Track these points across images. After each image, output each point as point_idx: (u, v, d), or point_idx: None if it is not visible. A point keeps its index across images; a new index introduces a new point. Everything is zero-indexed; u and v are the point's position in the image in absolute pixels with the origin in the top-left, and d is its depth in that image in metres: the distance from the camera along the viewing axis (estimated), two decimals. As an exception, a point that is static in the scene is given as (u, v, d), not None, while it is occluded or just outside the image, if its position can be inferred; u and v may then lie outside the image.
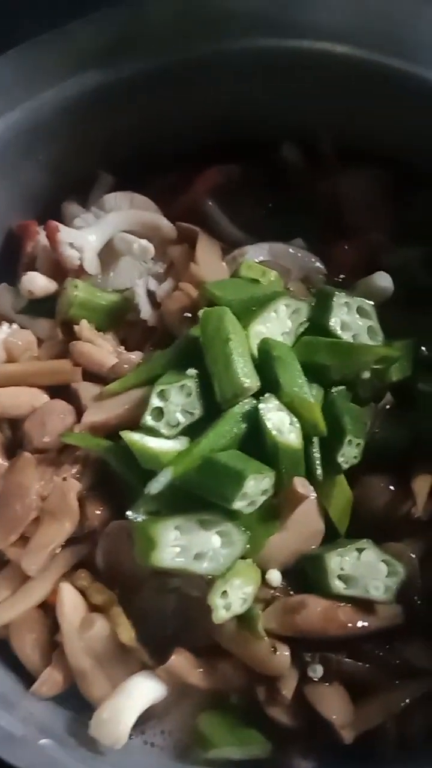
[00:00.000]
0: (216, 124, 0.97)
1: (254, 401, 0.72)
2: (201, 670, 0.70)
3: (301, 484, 0.69)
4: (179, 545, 0.67)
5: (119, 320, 0.88)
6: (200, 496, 0.68)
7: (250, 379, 0.72)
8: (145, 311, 0.87)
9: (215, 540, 0.68)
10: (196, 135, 0.98)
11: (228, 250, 0.93)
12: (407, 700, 0.68)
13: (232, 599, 0.68)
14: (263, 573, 0.71)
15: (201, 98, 0.94)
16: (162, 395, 0.73)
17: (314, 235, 0.93)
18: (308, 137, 0.97)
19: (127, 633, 0.71)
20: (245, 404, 0.72)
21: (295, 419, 0.72)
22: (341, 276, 0.88)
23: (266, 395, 0.72)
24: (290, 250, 0.90)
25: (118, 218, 0.91)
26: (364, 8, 0.84)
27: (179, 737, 0.73)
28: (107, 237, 0.90)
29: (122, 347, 0.85)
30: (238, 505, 0.67)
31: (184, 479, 0.68)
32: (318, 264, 0.90)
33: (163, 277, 0.90)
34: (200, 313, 0.76)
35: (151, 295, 0.89)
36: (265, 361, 0.74)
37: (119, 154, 0.99)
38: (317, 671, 0.68)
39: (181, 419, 0.73)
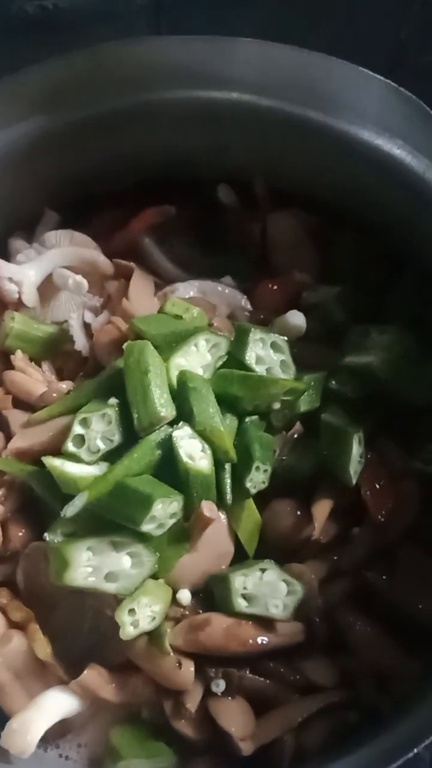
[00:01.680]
0: (155, 166, 1.03)
1: (169, 429, 0.77)
2: (113, 684, 0.74)
3: (208, 508, 0.74)
4: (91, 565, 0.71)
5: (55, 350, 0.92)
6: (112, 519, 0.72)
7: (165, 409, 0.76)
8: (80, 343, 0.91)
9: (126, 561, 0.72)
10: (136, 176, 1.04)
11: (163, 285, 0.99)
12: (305, 715, 0.72)
13: (139, 616, 0.72)
14: (174, 592, 0.75)
15: (140, 143, 1.00)
16: (84, 423, 0.78)
17: (244, 273, 0.99)
18: (241, 180, 1.03)
19: (43, 649, 0.74)
20: (161, 432, 0.76)
21: (207, 446, 0.77)
22: (264, 313, 0.94)
23: (180, 424, 0.77)
24: (218, 288, 0.96)
25: (57, 254, 0.96)
26: (282, 64, 0.91)
27: (94, 750, 0.76)
28: (46, 272, 0.95)
29: (55, 377, 0.90)
30: (147, 527, 0.71)
31: (98, 503, 0.72)
32: (244, 301, 0.96)
33: (100, 311, 0.96)
34: (125, 345, 0.82)
35: (87, 327, 0.95)
36: (181, 391, 0.79)
37: (64, 193, 1.04)
38: (220, 686, 0.72)
39: (102, 446, 0.78)
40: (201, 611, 0.75)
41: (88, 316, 0.94)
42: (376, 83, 0.89)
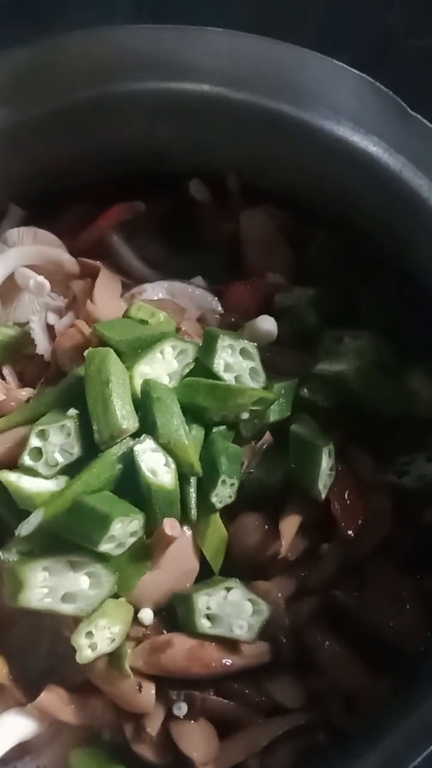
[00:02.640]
0: (124, 160, 1.00)
1: (131, 442, 0.74)
2: (72, 706, 0.72)
3: (169, 526, 0.71)
4: (47, 586, 0.68)
5: (16, 354, 0.89)
6: (69, 538, 0.69)
7: (127, 421, 0.73)
8: (41, 346, 0.88)
9: (83, 581, 0.69)
10: (104, 170, 1.00)
11: (131, 285, 0.95)
12: (271, 737, 0.70)
13: (97, 639, 0.69)
14: (136, 611, 0.73)
15: (108, 136, 0.97)
16: (41, 435, 0.75)
17: (215, 274, 0.96)
18: (214, 175, 1.00)
19: (-1, 670, 0.72)
20: (122, 445, 0.73)
21: (170, 460, 0.74)
22: (236, 316, 0.90)
23: (143, 436, 0.73)
24: (188, 289, 0.93)
25: (19, 253, 0.92)
26: (254, 56, 0.87)
27: (53, 772, 0.74)
28: (8, 272, 0.91)
29: (16, 383, 0.87)
30: (105, 547, 0.68)
31: (54, 521, 0.69)
32: (215, 303, 0.92)
33: (64, 312, 0.92)
34: (86, 353, 0.78)
35: (51, 329, 0.91)
36: (145, 402, 0.76)
37: (29, 188, 1.00)
38: (182, 709, 0.70)
39: (60, 459, 0.74)
40: (164, 631, 0.72)
41: (52, 318, 0.91)
42: (351, 77, 0.85)
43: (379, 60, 0.93)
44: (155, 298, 0.92)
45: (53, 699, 0.71)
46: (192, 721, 0.70)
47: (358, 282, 0.91)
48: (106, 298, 0.90)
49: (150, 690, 0.69)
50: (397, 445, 0.80)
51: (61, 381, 0.80)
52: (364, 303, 0.89)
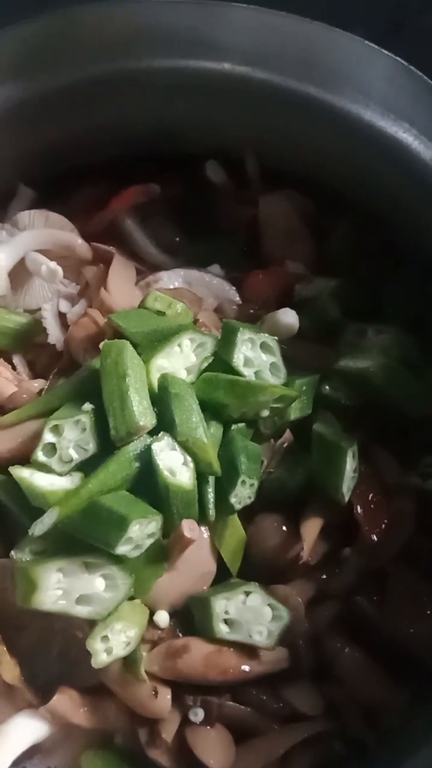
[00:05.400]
0: (139, 139, 0.96)
1: (149, 439, 0.71)
2: (85, 709, 0.70)
3: (187, 528, 0.68)
4: (61, 588, 0.66)
5: (27, 343, 0.86)
6: (84, 539, 0.67)
7: (144, 417, 0.70)
8: (53, 335, 0.85)
9: (99, 583, 0.67)
10: (118, 149, 0.96)
11: (145, 272, 0.91)
12: (288, 745, 0.68)
13: (113, 643, 0.67)
14: (152, 613, 0.71)
15: (121, 113, 0.93)
16: (55, 430, 0.72)
17: (233, 262, 0.92)
18: (233, 157, 0.96)
19: (10, 672, 0.70)
20: (139, 442, 0.71)
21: (189, 459, 0.71)
22: (254, 307, 0.87)
23: (160, 434, 0.71)
24: (206, 278, 0.89)
25: (30, 237, 0.89)
26: (280, 34, 0.83)
27: (64, 775, 0.73)
28: (18, 256, 0.88)
29: (27, 373, 0.84)
30: (122, 549, 0.66)
31: (69, 522, 0.67)
32: (233, 293, 0.89)
33: (77, 299, 0.89)
34: (101, 345, 0.75)
35: (63, 317, 0.88)
36: (162, 397, 0.73)
37: (40, 167, 0.96)
38: (198, 715, 0.68)
39: (75, 455, 0.72)
40: (180, 633, 0.70)
41: (64, 305, 0.87)
42: (382, 59, 0.81)
43: (391, 37, 0.88)
44: (171, 287, 0.88)
45: (66, 702, 0.69)
46: (208, 728, 0.68)
47: (383, 274, 0.87)
48: (121, 285, 0.86)
49: (166, 695, 0.67)
50: (422, 447, 0.77)
51: (75, 373, 0.77)
52: (389, 296, 0.86)
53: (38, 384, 0.81)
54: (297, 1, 0.83)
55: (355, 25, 0.85)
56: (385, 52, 0.82)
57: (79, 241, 0.90)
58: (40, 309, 0.87)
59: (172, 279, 0.89)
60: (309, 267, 0.90)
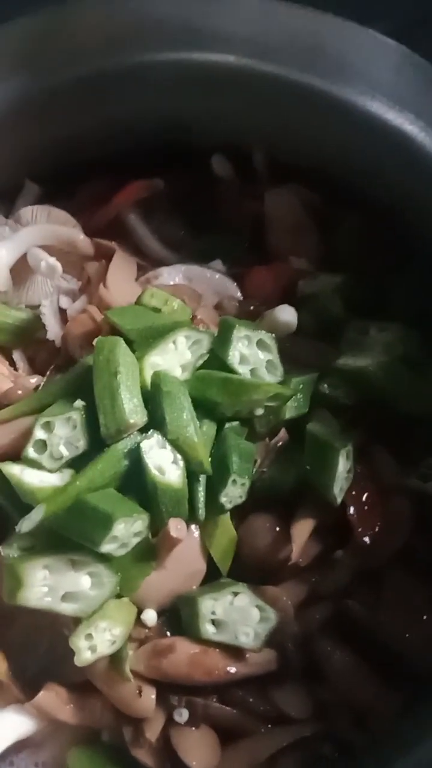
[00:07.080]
0: (144, 133, 0.95)
1: (139, 437, 0.70)
2: (71, 705, 0.70)
3: (174, 527, 0.67)
4: (47, 585, 0.66)
5: (27, 338, 0.86)
6: (70, 537, 0.66)
7: (135, 415, 0.70)
8: (52, 331, 0.84)
9: (85, 581, 0.67)
10: (122, 144, 0.95)
11: (147, 267, 0.91)
12: (275, 748, 0.67)
13: (97, 641, 0.66)
14: (139, 612, 0.70)
15: (124, 107, 0.92)
16: (46, 427, 0.72)
17: (235, 257, 0.91)
18: (238, 151, 0.94)
19: (-2, 667, 0.70)
20: (129, 440, 0.70)
21: (179, 457, 0.70)
22: (255, 303, 0.86)
23: (150, 432, 0.70)
24: (206, 274, 0.88)
25: (32, 233, 0.89)
26: (285, 25, 0.81)
27: (51, 770, 0.73)
28: (20, 252, 0.88)
29: (27, 368, 0.84)
30: (107, 548, 0.65)
31: (55, 519, 0.66)
32: (234, 289, 0.88)
33: (78, 295, 0.88)
34: (95, 341, 0.75)
35: (63, 313, 0.87)
36: (154, 395, 0.72)
37: (46, 162, 0.96)
38: (183, 715, 0.67)
39: (65, 452, 0.71)
40: (168, 633, 0.70)
41: (64, 301, 0.87)
42: (389, 49, 0.79)
43: (417, 30, 0.85)
44: (171, 283, 0.87)
45: (52, 698, 0.69)
46: (193, 728, 0.68)
47: (389, 270, 0.85)
48: (120, 282, 0.86)
49: (150, 695, 0.67)
50: (422, 447, 0.75)
51: (70, 370, 0.77)
52: (394, 293, 0.84)
53: (35, 380, 0.80)
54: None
55: (380, 18, 0.83)
56: (392, 42, 0.79)
57: (81, 236, 0.90)
58: (40, 305, 0.87)
59: (172, 275, 0.88)
60: (313, 263, 0.88)
